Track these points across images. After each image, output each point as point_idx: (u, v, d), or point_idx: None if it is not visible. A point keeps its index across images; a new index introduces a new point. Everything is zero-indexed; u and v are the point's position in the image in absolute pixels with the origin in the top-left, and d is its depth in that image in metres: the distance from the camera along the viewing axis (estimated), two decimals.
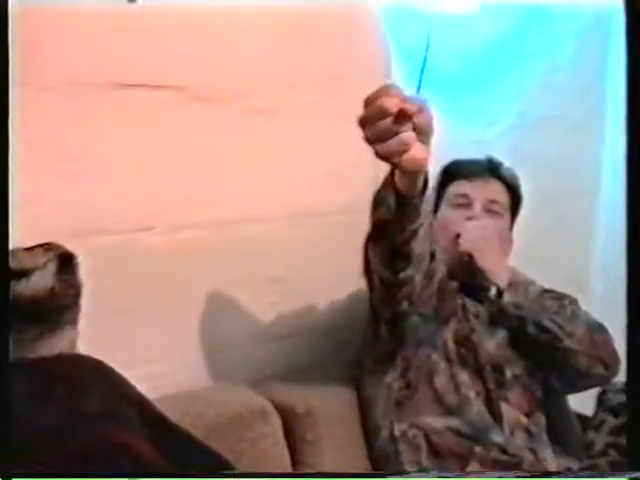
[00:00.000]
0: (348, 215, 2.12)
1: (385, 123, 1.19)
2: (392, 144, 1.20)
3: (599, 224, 2.87)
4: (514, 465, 1.91)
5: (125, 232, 1.71)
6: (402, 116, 1.19)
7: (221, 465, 1.46)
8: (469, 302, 2.08)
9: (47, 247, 1.48)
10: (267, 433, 1.80)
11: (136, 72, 1.69)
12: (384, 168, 1.36)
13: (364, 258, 1.84)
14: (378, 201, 1.58)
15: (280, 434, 1.85)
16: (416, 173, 1.38)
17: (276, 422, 1.84)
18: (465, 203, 2.12)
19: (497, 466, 1.90)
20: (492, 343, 2.06)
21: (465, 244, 2.04)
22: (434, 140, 1.24)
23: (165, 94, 1.73)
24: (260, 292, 2.02)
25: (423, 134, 1.22)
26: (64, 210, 1.61)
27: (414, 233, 1.61)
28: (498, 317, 2.06)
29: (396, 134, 1.20)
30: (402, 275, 1.75)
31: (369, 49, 2.18)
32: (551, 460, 1.99)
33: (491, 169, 2.16)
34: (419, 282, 1.80)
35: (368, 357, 2.04)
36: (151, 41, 1.69)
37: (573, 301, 2.12)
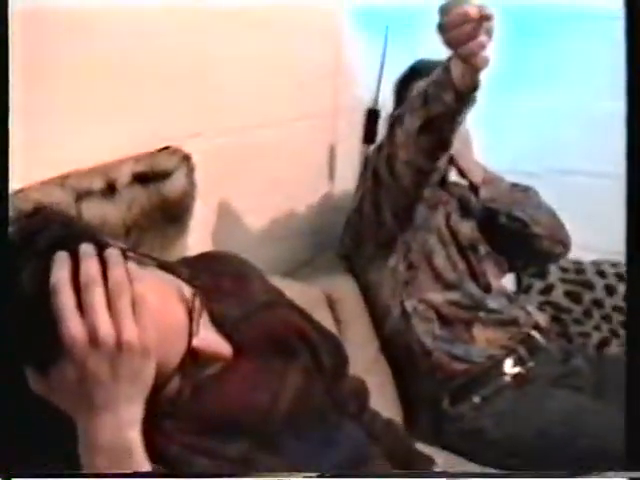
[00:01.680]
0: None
1: (467, 27, 1.51)
2: (473, 46, 1.53)
3: None
4: (511, 322, 2.18)
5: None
6: (480, 21, 1.50)
7: None
8: (445, 194, 2.31)
9: (170, 150, 1.50)
10: (324, 317, 1.92)
11: None
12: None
13: (391, 153, 1.99)
14: (431, 98, 1.79)
15: (330, 316, 1.99)
16: (480, 70, 1.62)
17: (326, 307, 1.98)
18: None
19: (497, 325, 2.16)
20: (467, 227, 2.29)
21: None
22: None
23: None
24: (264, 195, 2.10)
25: (491, 37, 1.52)
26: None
27: (459, 125, 1.81)
28: (473, 209, 2.30)
29: (475, 37, 1.51)
30: (439, 163, 1.96)
31: None
32: (534, 314, 2.29)
33: None
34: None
35: (368, 245, 2.19)
36: None
37: (536, 192, 2.40)
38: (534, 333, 2.21)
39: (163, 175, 1.44)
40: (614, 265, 2.84)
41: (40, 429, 1.02)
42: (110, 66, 1.45)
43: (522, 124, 3.21)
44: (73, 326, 0.95)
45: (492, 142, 2.75)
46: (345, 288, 2.15)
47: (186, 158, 1.50)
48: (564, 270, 2.80)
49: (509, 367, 2.13)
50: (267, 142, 2.03)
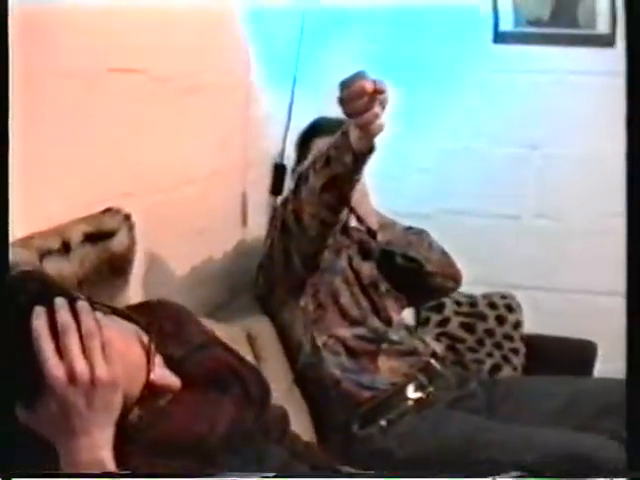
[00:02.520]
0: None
1: (364, 100, 1.82)
2: (368, 116, 1.85)
3: None
4: (411, 352, 2.43)
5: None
6: (375, 94, 1.81)
7: None
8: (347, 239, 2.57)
9: (112, 211, 1.71)
10: (245, 353, 2.13)
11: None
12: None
13: (297, 208, 2.22)
14: (332, 160, 2.05)
15: (250, 352, 2.21)
16: (375, 136, 1.91)
17: (246, 344, 2.19)
18: None
19: (399, 355, 2.41)
20: (368, 268, 2.55)
21: None
22: None
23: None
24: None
25: (384, 107, 1.84)
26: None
27: (357, 181, 2.08)
28: (372, 251, 2.56)
29: (371, 109, 1.82)
30: (341, 215, 2.24)
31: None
32: (431, 344, 2.55)
33: None
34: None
35: (280, 288, 2.41)
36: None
37: (427, 234, 2.65)
38: (432, 361, 2.46)
39: (109, 234, 1.65)
40: (503, 297, 3.12)
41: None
42: (46, 130, 1.64)
43: (414, 168, 3.49)
44: (54, 366, 1.16)
45: (388, 188, 3.02)
46: (261, 326, 2.36)
47: (127, 217, 1.71)
48: (458, 304, 3.07)
49: (411, 392, 2.36)
50: (189, 197, 2.24)
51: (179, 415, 1.38)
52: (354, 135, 1.96)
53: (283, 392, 2.22)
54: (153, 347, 1.30)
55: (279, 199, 2.68)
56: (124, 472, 1.24)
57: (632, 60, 1.39)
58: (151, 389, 1.29)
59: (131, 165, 1.96)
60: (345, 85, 1.84)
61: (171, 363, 1.41)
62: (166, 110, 2.11)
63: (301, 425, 2.20)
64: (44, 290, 1.23)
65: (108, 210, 1.70)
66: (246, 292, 2.54)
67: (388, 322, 2.49)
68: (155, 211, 2.01)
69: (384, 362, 2.39)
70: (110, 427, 1.22)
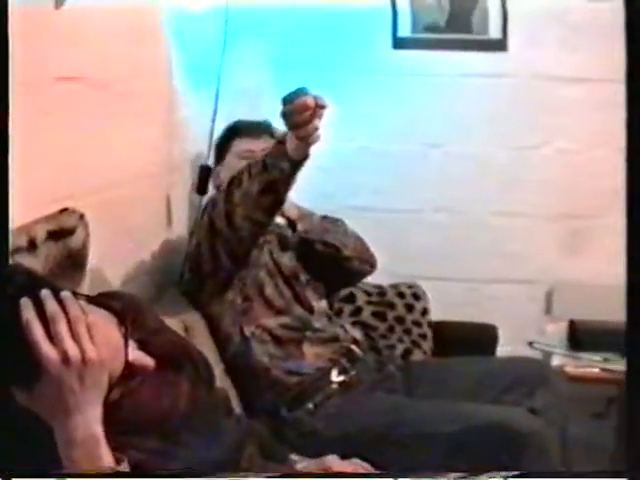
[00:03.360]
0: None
1: (305, 115, 2.07)
2: (309, 129, 2.11)
3: None
4: (333, 339, 2.60)
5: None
6: (316, 109, 2.07)
7: None
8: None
9: (69, 211, 1.83)
10: None
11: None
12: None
13: (228, 209, 2.38)
14: (269, 167, 2.25)
15: None
16: (312, 145, 2.16)
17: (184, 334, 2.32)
18: (250, 157, 2.67)
19: (322, 342, 2.58)
20: (287, 259, 2.70)
21: None
22: None
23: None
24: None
25: (322, 119, 2.09)
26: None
27: (292, 185, 2.27)
28: (291, 241, 2.72)
29: (311, 122, 2.07)
30: (274, 217, 2.45)
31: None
32: (350, 331, 2.72)
33: (268, 128, 2.78)
34: None
35: (208, 283, 2.55)
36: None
37: (343, 222, 2.86)
38: (353, 347, 2.63)
39: (69, 231, 1.78)
40: (410, 287, 3.31)
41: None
42: None
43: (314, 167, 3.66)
44: (47, 351, 1.28)
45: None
46: (193, 319, 2.49)
47: (81, 217, 1.84)
48: (368, 294, 3.24)
49: (335, 376, 2.54)
50: (120, 198, 2.36)
51: (145, 394, 1.52)
52: (292, 144, 2.19)
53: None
54: (129, 330, 1.43)
55: (204, 199, 2.82)
56: (124, 472, 1.36)
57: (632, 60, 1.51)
58: (130, 369, 1.42)
59: (72, 168, 2.07)
60: (288, 101, 2.11)
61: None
62: (102, 115, 2.22)
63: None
64: (30, 282, 1.35)
65: (65, 210, 1.82)
66: (173, 287, 2.66)
67: (310, 310, 2.66)
68: (92, 211, 2.11)
69: (309, 349, 2.56)
70: (100, 404, 1.35)
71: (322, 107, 2.10)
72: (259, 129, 2.80)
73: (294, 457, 1.91)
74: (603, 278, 3.27)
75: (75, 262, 1.76)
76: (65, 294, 1.34)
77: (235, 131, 2.82)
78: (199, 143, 2.93)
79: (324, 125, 2.14)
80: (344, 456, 1.90)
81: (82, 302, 1.37)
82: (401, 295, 3.25)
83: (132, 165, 2.44)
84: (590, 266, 3.49)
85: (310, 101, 2.09)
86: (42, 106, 1.93)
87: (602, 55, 3.37)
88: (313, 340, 2.59)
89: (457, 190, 3.66)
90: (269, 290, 2.61)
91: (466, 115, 3.61)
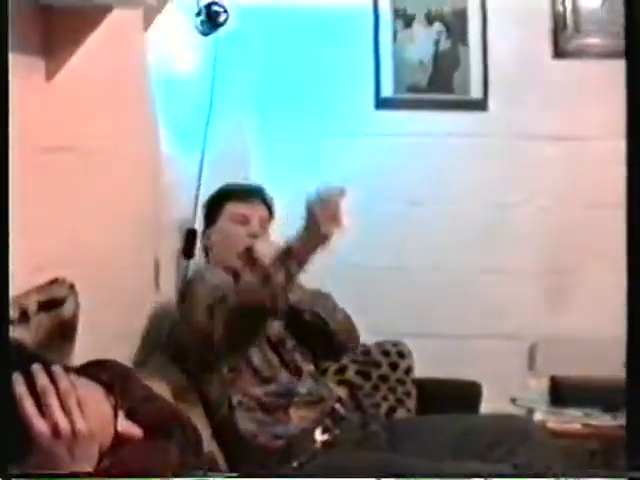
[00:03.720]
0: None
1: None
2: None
3: None
4: (319, 400, 2.63)
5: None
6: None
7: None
8: None
9: (59, 281, 1.87)
10: None
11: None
12: None
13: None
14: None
15: None
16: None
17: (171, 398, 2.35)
18: (244, 221, 2.79)
19: (308, 404, 2.63)
20: (276, 327, 2.76)
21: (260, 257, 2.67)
22: None
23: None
24: None
25: None
26: None
27: None
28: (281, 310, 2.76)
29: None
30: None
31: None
32: (335, 390, 2.78)
33: (260, 193, 2.87)
34: None
35: (195, 356, 2.58)
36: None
37: (332, 297, 2.91)
38: (337, 406, 2.67)
39: (60, 302, 1.82)
40: (395, 345, 3.34)
41: None
42: None
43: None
44: (38, 424, 1.32)
45: None
46: (180, 382, 2.53)
47: (71, 287, 1.88)
48: (353, 352, 3.28)
49: (318, 435, 2.59)
50: (108, 263, 2.40)
51: (135, 462, 1.56)
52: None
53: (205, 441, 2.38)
54: (118, 402, 1.48)
55: (191, 263, 2.87)
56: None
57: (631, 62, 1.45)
58: (119, 439, 1.46)
59: (59, 237, 2.11)
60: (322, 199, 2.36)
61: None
62: (89, 183, 2.27)
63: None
64: (21, 357, 1.40)
65: (55, 281, 1.86)
66: (160, 351, 2.70)
67: (298, 374, 2.70)
68: (83, 279, 2.15)
69: (295, 412, 2.61)
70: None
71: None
72: (251, 193, 2.88)
73: None
74: (585, 332, 3.33)
75: (65, 332, 1.80)
76: (55, 368, 1.38)
77: (227, 195, 2.88)
78: (186, 207, 2.99)
79: None
80: None
81: (72, 376, 1.42)
82: (386, 353, 3.28)
83: (120, 231, 2.48)
84: (572, 320, 3.55)
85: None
86: (30, 176, 1.98)
87: (580, 113, 3.47)
88: (299, 404, 2.62)
89: (440, 247, 3.73)
90: (257, 360, 2.64)
91: (448, 174, 3.69)
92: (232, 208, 2.84)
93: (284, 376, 2.68)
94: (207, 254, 2.91)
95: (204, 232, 2.91)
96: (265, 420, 2.58)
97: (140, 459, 1.57)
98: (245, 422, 2.56)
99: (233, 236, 2.80)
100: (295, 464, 2.53)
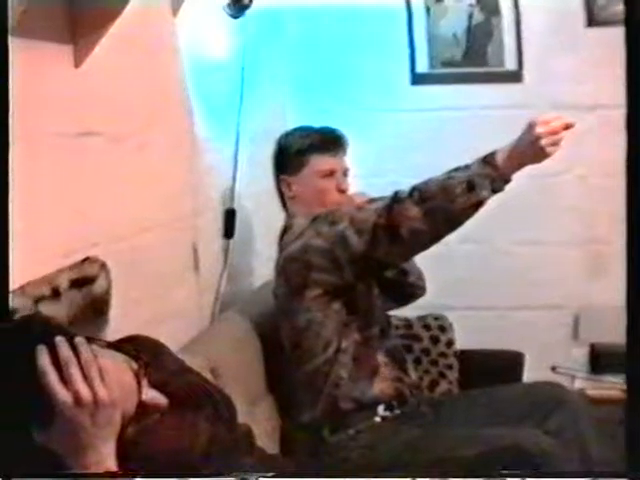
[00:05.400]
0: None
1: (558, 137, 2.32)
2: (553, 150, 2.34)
3: None
4: (398, 378, 2.69)
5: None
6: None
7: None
8: None
9: (91, 259, 1.93)
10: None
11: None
12: None
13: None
14: (477, 187, 2.44)
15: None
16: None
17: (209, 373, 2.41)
18: (331, 175, 2.75)
19: (388, 379, 2.66)
20: None
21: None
22: None
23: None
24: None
25: None
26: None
27: None
28: None
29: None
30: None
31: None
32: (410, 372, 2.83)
33: (345, 145, 2.81)
34: None
35: (315, 289, 2.56)
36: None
37: None
38: (404, 388, 2.68)
39: (91, 279, 1.88)
40: (436, 318, 3.37)
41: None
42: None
43: None
44: (61, 394, 1.38)
45: None
46: (220, 357, 2.56)
47: (103, 265, 1.94)
48: (396, 327, 3.30)
49: (381, 411, 2.60)
50: (146, 244, 2.46)
51: (164, 433, 1.61)
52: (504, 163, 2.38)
53: (242, 414, 2.43)
54: (142, 372, 1.53)
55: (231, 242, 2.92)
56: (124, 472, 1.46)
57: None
58: (144, 408, 1.52)
59: (96, 218, 2.18)
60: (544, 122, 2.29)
61: (155, 386, 1.64)
62: (122, 167, 2.33)
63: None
64: (45, 331, 1.46)
65: (87, 259, 1.92)
66: (203, 330, 2.77)
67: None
68: (118, 258, 2.21)
69: (378, 383, 2.62)
70: (112, 441, 1.45)
71: (571, 127, 2.30)
72: (337, 145, 2.80)
73: None
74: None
75: (97, 309, 1.86)
76: (78, 340, 1.44)
77: (313, 147, 2.77)
78: (223, 188, 3.04)
79: None
80: None
81: (95, 346, 1.47)
82: (427, 327, 3.32)
83: (155, 214, 2.54)
84: (614, 288, 3.53)
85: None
86: (63, 160, 2.04)
87: (615, 82, 3.43)
88: (383, 376, 2.63)
89: (481, 220, 3.71)
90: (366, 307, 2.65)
91: (485, 147, 3.67)
92: (318, 161, 2.77)
93: (376, 330, 2.68)
94: (285, 203, 2.85)
95: (283, 179, 2.84)
96: (355, 375, 2.58)
97: (169, 430, 1.62)
98: (339, 371, 2.56)
99: (321, 190, 2.75)
100: (352, 432, 2.56)
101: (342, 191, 2.75)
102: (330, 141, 2.78)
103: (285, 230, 2.75)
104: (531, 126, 2.32)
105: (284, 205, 2.85)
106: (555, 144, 2.28)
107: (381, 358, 2.65)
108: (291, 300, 2.62)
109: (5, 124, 1.46)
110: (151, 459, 1.57)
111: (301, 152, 2.78)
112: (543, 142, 2.28)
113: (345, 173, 2.80)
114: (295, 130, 2.89)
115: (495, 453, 2.25)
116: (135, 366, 1.56)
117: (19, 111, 1.83)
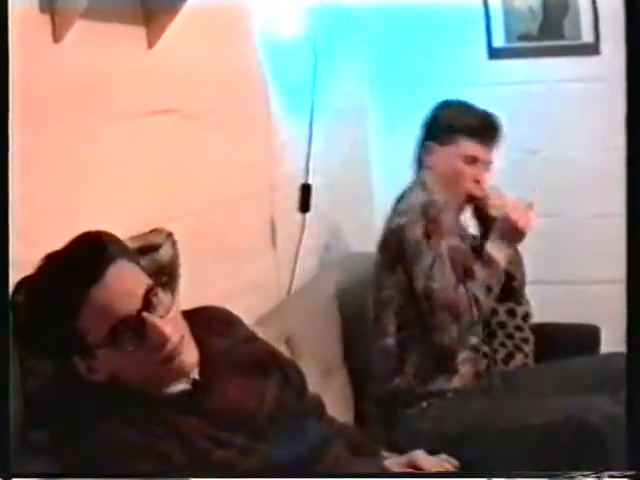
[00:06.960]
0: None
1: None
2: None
3: None
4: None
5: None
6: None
7: None
8: None
9: (157, 230, 2.01)
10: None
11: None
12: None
13: None
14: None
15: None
16: None
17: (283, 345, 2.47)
18: (473, 162, 2.74)
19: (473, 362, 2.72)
20: None
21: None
22: None
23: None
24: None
25: None
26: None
27: None
28: None
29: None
30: None
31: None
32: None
33: (498, 136, 2.80)
34: None
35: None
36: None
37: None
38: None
39: (156, 247, 1.94)
40: None
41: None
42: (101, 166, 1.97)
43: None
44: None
45: None
46: (296, 329, 2.63)
47: (169, 235, 2.00)
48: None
49: (455, 383, 2.64)
50: (221, 218, 2.53)
51: (231, 392, 1.69)
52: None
53: (316, 384, 2.48)
54: (153, 289, 1.61)
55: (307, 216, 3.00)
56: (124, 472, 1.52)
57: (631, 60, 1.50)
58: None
59: (171, 194, 2.26)
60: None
61: (220, 352, 1.73)
62: (197, 144, 2.41)
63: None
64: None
65: (153, 230, 2.00)
66: (281, 302, 2.84)
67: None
68: (193, 232, 2.28)
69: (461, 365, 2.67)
70: None
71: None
72: (490, 135, 2.77)
73: (385, 454, 2.02)
74: None
75: (164, 276, 1.91)
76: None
77: (466, 128, 2.73)
78: (298, 164, 3.10)
79: None
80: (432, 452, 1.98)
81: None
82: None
83: (232, 187, 2.60)
84: None
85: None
86: (139, 137, 2.13)
87: None
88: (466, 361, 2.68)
89: (557, 194, 3.72)
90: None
91: (562, 120, 3.67)
92: (466, 145, 2.73)
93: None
94: (420, 167, 2.82)
95: (427, 146, 2.80)
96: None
97: (238, 392, 1.70)
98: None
99: (459, 174, 2.73)
100: (424, 404, 2.60)
101: (477, 181, 2.73)
102: (485, 128, 2.75)
103: (402, 197, 2.74)
104: None
105: (418, 172, 2.81)
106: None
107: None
108: (381, 273, 2.67)
109: (5, 123, 1.51)
110: (218, 415, 1.64)
111: (452, 129, 2.74)
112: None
113: (487, 165, 2.77)
114: (455, 103, 2.84)
115: (561, 422, 2.27)
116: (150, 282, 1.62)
117: (98, 90, 1.93)
